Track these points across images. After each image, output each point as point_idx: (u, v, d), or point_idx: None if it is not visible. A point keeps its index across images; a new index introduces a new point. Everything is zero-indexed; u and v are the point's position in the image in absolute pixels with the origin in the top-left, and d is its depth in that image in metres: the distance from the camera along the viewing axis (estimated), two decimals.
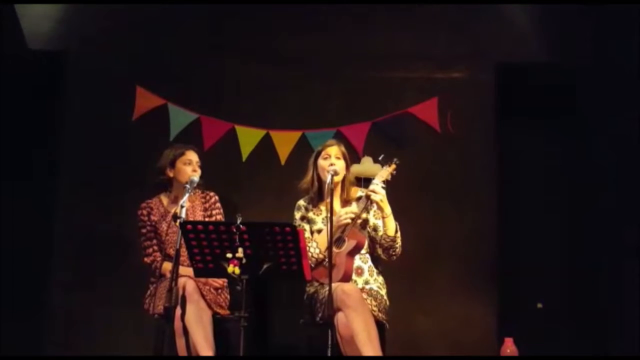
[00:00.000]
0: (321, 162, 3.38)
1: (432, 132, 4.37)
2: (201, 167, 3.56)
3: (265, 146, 4.34)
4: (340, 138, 4.19)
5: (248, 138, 4.35)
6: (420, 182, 4.26)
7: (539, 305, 4.42)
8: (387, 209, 3.27)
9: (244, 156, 4.35)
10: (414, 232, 3.55)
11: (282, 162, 4.34)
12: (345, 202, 3.42)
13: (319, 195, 3.42)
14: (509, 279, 4.31)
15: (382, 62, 4.38)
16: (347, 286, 3.14)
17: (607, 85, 4.21)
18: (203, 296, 3.31)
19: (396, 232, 3.30)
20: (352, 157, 3.57)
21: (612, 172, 4.18)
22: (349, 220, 3.26)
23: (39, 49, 4.35)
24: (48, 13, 4.38)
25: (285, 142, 4.35)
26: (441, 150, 4.35)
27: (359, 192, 3.44)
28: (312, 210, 3.46)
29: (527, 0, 4.36)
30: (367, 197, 3.26)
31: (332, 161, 3.34)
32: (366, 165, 4.24)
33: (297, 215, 3.47)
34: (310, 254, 3.28)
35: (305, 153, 3.85)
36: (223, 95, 4.40)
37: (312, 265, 3.27)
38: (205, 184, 3.57)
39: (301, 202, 3.49)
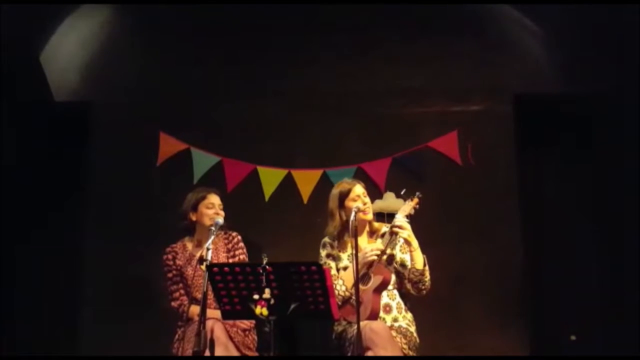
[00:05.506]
0: (352, 203, 3.35)
1: (453, 165, 4.36)
2: (224, 209, 3.58)
3: (287, 186, 4.37)
4: (362, 175, 4.21)
5: (270, 178, 4.39)
6: (444, 215, 4.24)
7: (572, 338, 4.31)
8: (415, 243, 3.27)
9: (267, 196, 4.38)
10: (440, 267, 3.53)
11: (305, 200, 4.36)
12: (371, 238, 3.41)
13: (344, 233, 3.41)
14: (540, 311, 4.23)
15: (400, 97, 4.41)
16: (375, 324, 3.12)
17: (626, 114, 4.18)
18: (231, 338, 3.30)
19: (424, 265, 3.28)
20: (374, 193, 3.58)
21: (635, 200, 4.11)
22: (375, 258, 3.25)
23: (65, 101, 4.47)
24: (72, 65, 4.52)
25: (306, 181, 4.38)
26: (463, 182, 4.34)
27: (383, 227, 3.43)
28: (337, 247, 3.46)
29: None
30: (393, 233, 3.25)
31: (365, 200, 3.37)
32: (389, 200, 4.24)
33: (323, 252, 3.47)
34: (336, 292, 3.26)
35: (327, 191, 3.85)
36: (244, 137, 4.46)
37: (339, 303, 3.25)
38: (229, 225, 3.59)
39: (327, 240, 3.49)
